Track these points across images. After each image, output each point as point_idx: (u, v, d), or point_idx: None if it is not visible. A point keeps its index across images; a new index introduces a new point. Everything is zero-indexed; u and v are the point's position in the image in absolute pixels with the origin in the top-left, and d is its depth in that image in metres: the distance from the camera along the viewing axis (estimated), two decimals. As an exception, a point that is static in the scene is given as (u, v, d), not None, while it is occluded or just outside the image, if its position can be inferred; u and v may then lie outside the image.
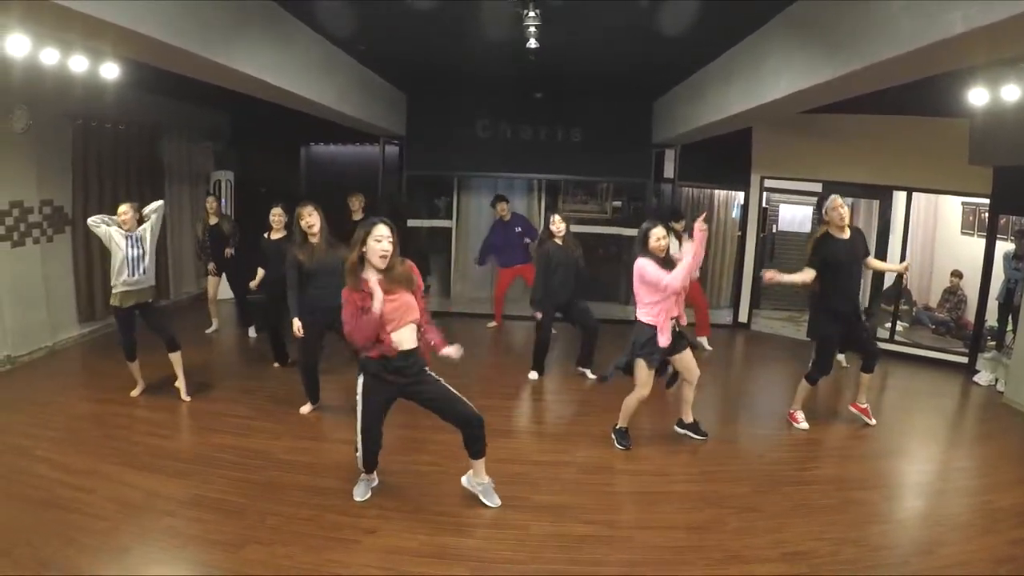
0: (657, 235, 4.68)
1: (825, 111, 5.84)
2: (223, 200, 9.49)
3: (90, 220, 5.44)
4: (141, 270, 5.44)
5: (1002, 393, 6.75)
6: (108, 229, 5.36)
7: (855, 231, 5.46)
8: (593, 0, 4.64)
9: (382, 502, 4.08)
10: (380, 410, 3.86)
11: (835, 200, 5.39)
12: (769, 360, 8.08)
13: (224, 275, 8.10)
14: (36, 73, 5.43)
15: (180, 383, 5.68)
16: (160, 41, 3.56)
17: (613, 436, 5.10)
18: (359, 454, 3.97)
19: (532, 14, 4.37)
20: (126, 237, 5.39)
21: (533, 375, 6.70)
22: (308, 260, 5.21)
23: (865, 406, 5.67)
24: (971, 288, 8.27)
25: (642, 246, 4.75)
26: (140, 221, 5.51)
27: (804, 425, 5.56)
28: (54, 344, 6.96)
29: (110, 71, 5.72)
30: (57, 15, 2.98)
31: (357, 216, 8.05)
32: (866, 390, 5.68)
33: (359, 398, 3.81)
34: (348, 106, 6.85)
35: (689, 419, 5.25)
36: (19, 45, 4.66)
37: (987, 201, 7.62)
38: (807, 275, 5.37)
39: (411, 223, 9.74)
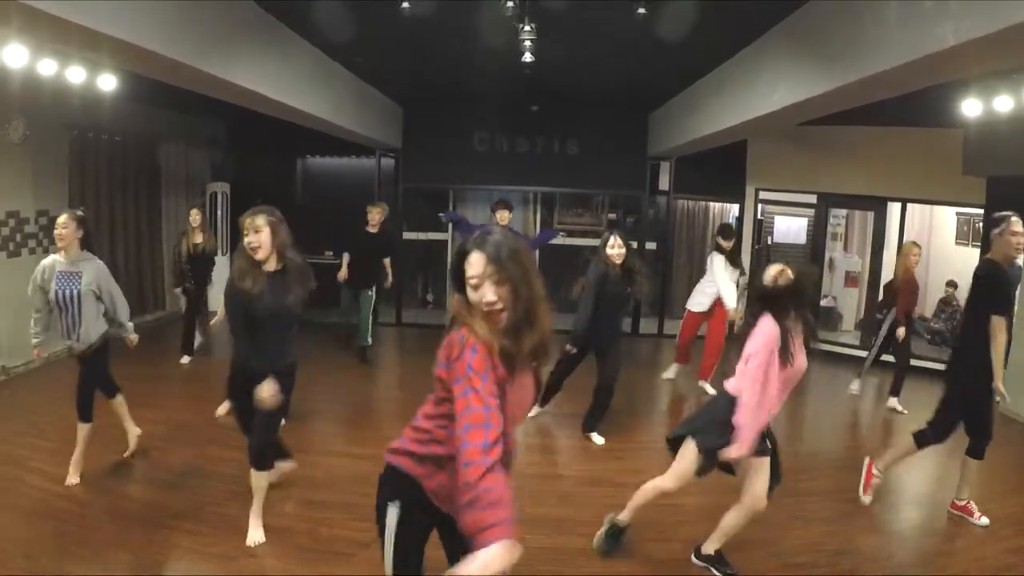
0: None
1: (819, 123, 5.87)
2: (218, 212, 9.51)
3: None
4: (75, 334, 4.24)
5: (997, 402, 6.75)
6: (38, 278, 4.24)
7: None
8: (589, 14, 4.67)
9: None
10: (418, 556, 2.40)
11: (1016, 223, 4.00)
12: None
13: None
14: (34, 83, 5.46)
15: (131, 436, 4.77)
16: (157, 53, 3.57)
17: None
18: None
19: (528, 28, 4.40)
20: (57, 277, 4.16)
21: (597, 439, 5.39)
22: (254, 294, 3.50)
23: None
24: (966, 298, 8.32)
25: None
26: (86, 242, 4.21)
27: (984, 520, 4.19)
28: (49, 355, 6.91)
29: (107, 82, 5.77)
30: (55, 27, 2.99)
31: (374, 230, 7.35)
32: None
33: (388, 538, 2.33)
34: (344, 119, 6.87)
35: (711, 549, 3.65)
36: (17, 55, 4.71)
37: (981, 211, 7.66)
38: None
39: (407, 236, 9.77)
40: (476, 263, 1.96)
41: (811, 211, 9.46)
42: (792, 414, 6.38)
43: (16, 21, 2.95)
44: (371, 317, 7.42)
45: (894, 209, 8.56)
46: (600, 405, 5.40)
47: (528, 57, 4.75)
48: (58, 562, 3.43)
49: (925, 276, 9.49)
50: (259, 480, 3.74)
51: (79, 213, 4.24)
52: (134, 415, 5.45)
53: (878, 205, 8.68)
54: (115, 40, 3.25)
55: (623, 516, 3.72)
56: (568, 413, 6.13)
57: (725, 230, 6.78)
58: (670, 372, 7.30)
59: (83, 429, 4.33)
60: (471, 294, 1.97)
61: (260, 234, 3.50)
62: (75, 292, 4.15)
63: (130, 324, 4.45)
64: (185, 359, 7.13)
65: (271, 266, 3.57)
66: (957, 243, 9.05)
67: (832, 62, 3.88)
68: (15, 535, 3.66)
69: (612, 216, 10.45)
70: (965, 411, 4.19)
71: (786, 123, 5.82)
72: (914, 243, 6.53)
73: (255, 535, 3.72)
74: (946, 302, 8.97)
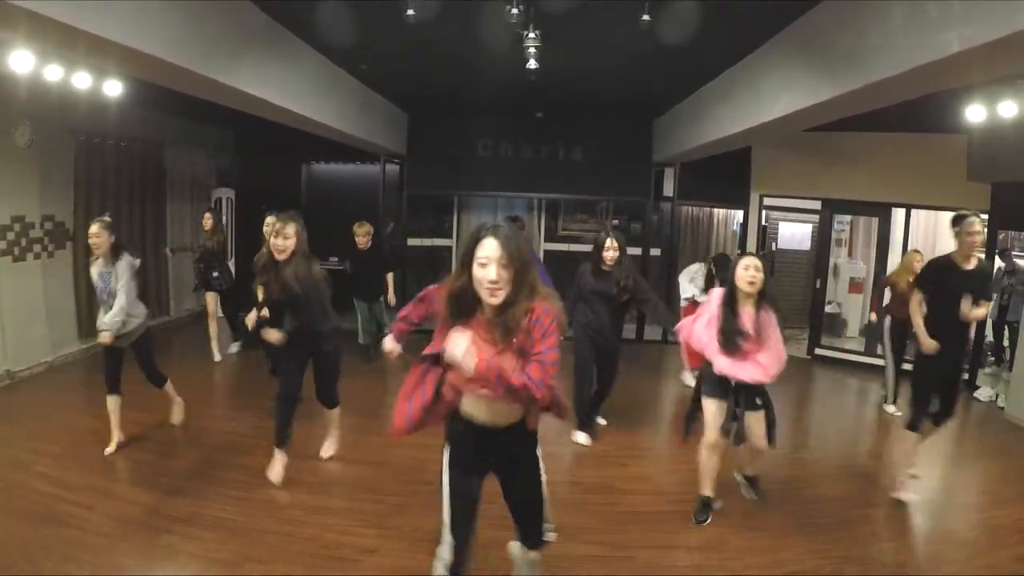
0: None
1: (824, 129, 5.87)
2: (223, 218, 9.56)
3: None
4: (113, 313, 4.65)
5: (1003, 409, 6.74)
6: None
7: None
8: (593, 21, 4.68)
9: (382, 521, 4.06)
10: (469, 492, 2.75)
11: (974, 222, 4.57)
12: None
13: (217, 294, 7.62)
14: (40, 89, 5.49)
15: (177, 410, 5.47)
16: (163, 60, 3.59)
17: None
18: (444, 550, 2.72)
19: (532, 35, 4.41)
20: (99, 275, 4.68)
21: (580, 437, 5.39)
22: (275, 290, 4.30)
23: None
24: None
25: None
26: (117, 248, 4.68)
27: (909, 496, 4.58)
28: (54, 359, 6.96)
29: (113, 88, 5.79)
30: (62, 33, 3.01)
31: (364, 247, 7.46)
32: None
33: (444, 478, 2.79)
34: (349, 125, 6.88)
35: (749, 472, 4.48)
36: (23, 61, 4.72)
37: (986, 217, 7.64)
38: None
39: (411, 242, 9.78)
40: (490, 247, 2.34)
41: (815, 217, 9.45)
42: (798, 421, 6.37)
43: (23, 27, 2.96)
44: (385, 321, 7.64)
45: (898, 215, 8.54)
46: (594, 405, 5.53)
47: (532, 64, 4.76)
48: (61, 566, 3.44)
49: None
50: (331, 415, 4.88)
51: (107, 223, 4.70)
52: (138, 419, 5.48)
53: (882, 211, 8.66)
54: (122, 47, 3.27)
55: (706, 492, 4.22)
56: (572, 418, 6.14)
57: (720, 261, 6.83)
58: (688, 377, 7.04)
59: (111, 401, 4.91)
60: (477, 271, 2.35)
61: (288, 241, 4.21)
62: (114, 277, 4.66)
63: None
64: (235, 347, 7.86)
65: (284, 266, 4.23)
66: (962, 249, 9.03)
67: (836, 69, 3.88)
68: (19, 539, 3.67)
69: (615, 222, 10.43)
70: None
71: (791, 130, 5.82)
72: (916, 251, 6.68)
73: (327, 452, 4.92)
74: (951, 308, 8.94)
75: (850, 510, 4.44)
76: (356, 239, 7.44)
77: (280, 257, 4.23)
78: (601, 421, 5.72)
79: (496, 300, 2.36)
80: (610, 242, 5.18)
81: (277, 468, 4.48)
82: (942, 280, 4.58)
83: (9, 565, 3.41)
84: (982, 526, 4.29)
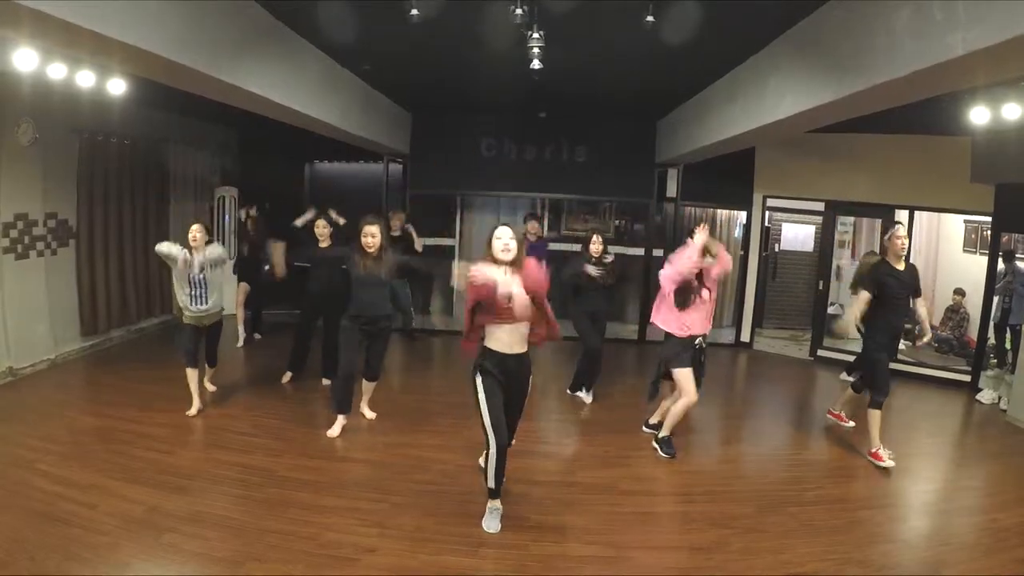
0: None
1: (827, 130, 5.85)
2: (226, 217, 9.61)
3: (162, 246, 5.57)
4: (203, 301, 5.58)
5: (1005, 411, 6.73)
6: (178, 252, 5.49)
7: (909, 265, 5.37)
8: (597, 21, 4.68)
9: (383, 520, 4.07)
10: (499, 404, 3.93)
11: (898, 229, 5.30)
12: (772, 380, 8.05)
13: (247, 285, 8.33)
14: (43, 87, 5.50)
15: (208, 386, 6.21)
16: (167, 59, 3.59)
17: (656, 446, 5.30)
18: (491, 453, 3.91)
19: (536, 35, 4.41)
20: (196, 262, 5.51)
21: (587, 397, 6.57)
22: (360, 269, 5.27)
23: (839, 412, 6.15)
24: (973, 306, 8.28)
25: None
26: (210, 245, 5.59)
27: (890, 463, 5.14)
28: (56, 357, 6.96)
29: (117, 86, 5.81)
30: (65, 32, 3.01)
31: (396, 233, 8.15)
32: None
33: (481, 397, 3.90)
34: (352, 124, 6.88)
35: (665, 433, 5.33)
36: (27, 59, 4.73)
37: (989, 219, 7.64)
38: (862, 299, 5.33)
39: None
40: (504, 232, 3.93)
41: (819, 218, 9.44)
42: (799, 422, 6.37)
43: (26, 25, 2.96)
44: (410, 302, 8.72)
45: (902, 217, 8.51)
46: (591, 371, 6.54)
47: (536, 64, 4.75)
48: (63, 564, 3.44)
49: (933, 284, 9.46)
50: (370, 386, 5.78)
51: (205, 225, 5.70)
52: (140, 417, 5.50)
53: (886, 212, 8.64)
54: (125, 45, 3.27)
55: (664, 433, 5.29)
56: (576, 420, 6.13)
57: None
58: None
59: (190, 373, 5.72)
60: (495, 244, 3.90)
61: (375, 239, 5.24)
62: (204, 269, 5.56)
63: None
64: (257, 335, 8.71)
65: (373, 255, 5.28)
66: (965, 251, 9.01)
67: (840, 71, 3.87)
68: (21, 536, 3.67)
69: (619, 223, 10.44)
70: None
71: (795, 131, 5.81)
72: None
73: (370, 414, 5.80)
74: (954, 309, 8.93)
75: (851, 512, 4.43)
76: (392, 223, 8.12)
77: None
78: (587, 398, 6.59)
79: (508, 257, 3.86)
80: (596, 238, 6.31)
81: (337, 428, 5.38)
82: (882, 279, 5.22)
83: (11, 563, 3.41)
84: (984, 528, 4.28)
